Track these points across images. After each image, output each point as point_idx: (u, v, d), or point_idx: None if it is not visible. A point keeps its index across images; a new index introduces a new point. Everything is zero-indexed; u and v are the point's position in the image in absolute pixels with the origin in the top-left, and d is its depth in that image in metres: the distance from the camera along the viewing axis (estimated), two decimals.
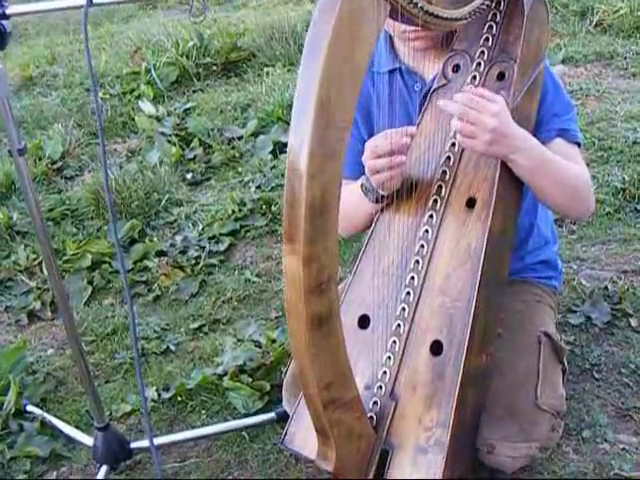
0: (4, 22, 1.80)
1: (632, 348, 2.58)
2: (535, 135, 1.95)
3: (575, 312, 2.75)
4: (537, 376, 2.01)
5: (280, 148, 4.18)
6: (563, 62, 4.85)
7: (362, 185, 2.01)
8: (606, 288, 2.83)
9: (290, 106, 4.36)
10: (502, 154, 1.87)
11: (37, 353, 3.01)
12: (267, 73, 5.19)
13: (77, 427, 2.58)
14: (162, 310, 3.18)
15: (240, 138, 4.44)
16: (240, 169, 4.16)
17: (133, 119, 4.84)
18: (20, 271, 3.50)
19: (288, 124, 4.32)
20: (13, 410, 2.66)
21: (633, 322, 2.68)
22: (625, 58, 4.87)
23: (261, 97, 4.82)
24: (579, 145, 2.11)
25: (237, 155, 4.29)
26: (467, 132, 1.83)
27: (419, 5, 1.61)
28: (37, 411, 2.65)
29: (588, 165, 3.52)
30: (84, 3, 1.73)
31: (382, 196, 1.99)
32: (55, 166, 4.45)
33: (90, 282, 3.37)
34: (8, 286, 3.47)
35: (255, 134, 4.45)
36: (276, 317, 2.99)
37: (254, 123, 4.50)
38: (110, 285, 3.37)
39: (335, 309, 1.60)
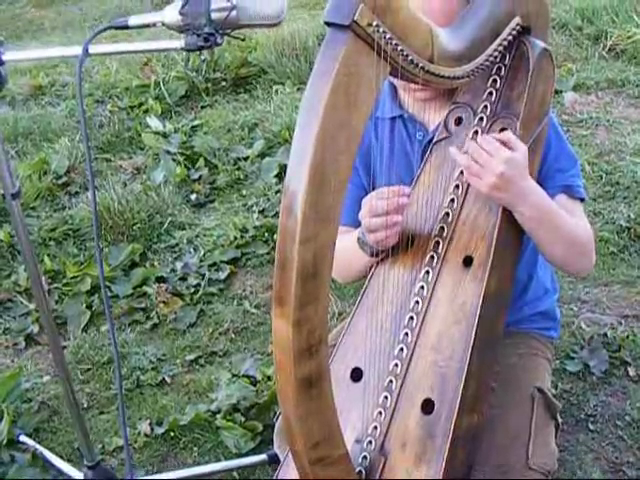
0: (0, 68, 1.79)
1: (629, 399, 2.57)
2: None
3: (573, 359, 2.73)
4: (529, 435, 1.98)
5: (286, 172, 4.14)
6: (574, 89, 4.82)
7: (358, 239, 1.99)
8: (605, 335, 2.81)
9: None
10: (506, 202, 1.84)
11: (33, 380, 3.00)
12: (276, 91, 5.17)
13: (69, 460, 2.58)
14: (159, 339, 3.17)
15: (246, 159, 4.43)
16: (244, 192, 4.15)
17: (140, 135, 4.82)
18: (19, 292, 3.49)
19: None
20: (5, 440, 2.65)
21: (631, 371, 2.66)
22: (637, 86, 4.83)
23: (269, 117, 4.80)
24: (582, 200, 2.09)
25: (242, 177, 4.28)
26: (474, 171, 1.80)
27: (420, 65, 1.59)
28: (30, 442, 2.64)
29: (594, 200, 3.53)
30: (79, 53, 1.72)
31: (379, 250, 1.97)
32: (60, 181, 4.44)
33: (89, 307, 3.36)
34: (7, 307, 3.46)
35: (261, 155, 4.43)
36: (272, 352, 2.96)
37: (261, 143, 4.49)
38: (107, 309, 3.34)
39: (325, 370, 1.58)
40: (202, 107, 5.26)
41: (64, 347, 3.06)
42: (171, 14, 1.70)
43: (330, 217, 1.47)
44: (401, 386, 1.87)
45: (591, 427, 2.49)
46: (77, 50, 1.72)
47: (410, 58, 1.55)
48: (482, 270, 1.87)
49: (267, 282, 3.42)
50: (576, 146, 4.01)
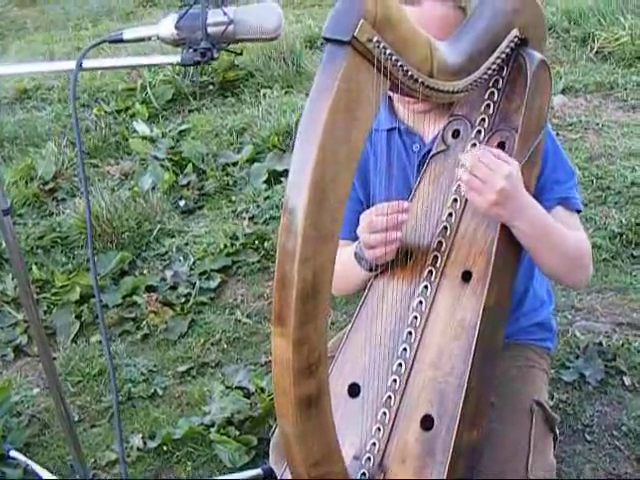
0: None
1: (625, 409, 2.55)
2: None
3: (569, 368, 2.71)
4: (528, 448, 1.96)
5: (275, 177, 4.15)
6: (563, 92, 4.82)
7: (356, 254, 1.97)
8: (600, 343, 2.79)
9: (286, 133, 4.35)
10: (504, 218, 1.82)
11: (22, 392, 2.96)
12: (264, 95, 5.14)
13: (61, 475, 2.55)
14: (150, 350, 3.13)
15: (235, 164, 4.41)
16: (234, 197, 4.12)
17: (127, 139, 4.79)
18: (7, 302, 3.45)
19: (283, 151, 4.31)
20: None
21: (627, 380, 2.65)
22: (625, 89, 4.84)
23: (257, 121, 4.77)
24: (579, 212, 2.07)
25: (231, 182, 4.25)
26: (474, 186, 1.77)
27: (419, 80, 1.56)
28: (21, 457, 2.60)
29: (586, 205, 3.52)
30: (73, 67, 1.69)
31: (376, 264, 1.95)
32: (47, 187, 4.40)
33: (78, 317, 3.32)
34: None
35: (250, 160, 4.40)
36: (266, 362, 2.95)
37: (249, 149, 4.46)
38: (99, 320, 3.29)
39: (324, 389, 1.55)
40: (189, 111, 5.23)
41: (54, 359, 3.02)
42: (166, 28, 1.66)
43: (330, 235, 1.45)
44: (400, 402, 1.85)
45: (588, 438, 2.47)
46: (71, 65, 1.69)
47: (410, 73, 1.53)
48: (481, 285, 1.84)
49: (258, 291, 3.40)
50: (566, 150, 3.96)
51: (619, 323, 2.93)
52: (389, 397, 1.86)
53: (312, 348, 1.48)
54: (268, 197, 4.01)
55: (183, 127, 4.93)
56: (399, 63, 1.49)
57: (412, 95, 1.61)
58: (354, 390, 1.91)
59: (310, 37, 6.13)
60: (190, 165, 4.38)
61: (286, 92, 5.16)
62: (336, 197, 1.44)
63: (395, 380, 1.87)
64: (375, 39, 1.42)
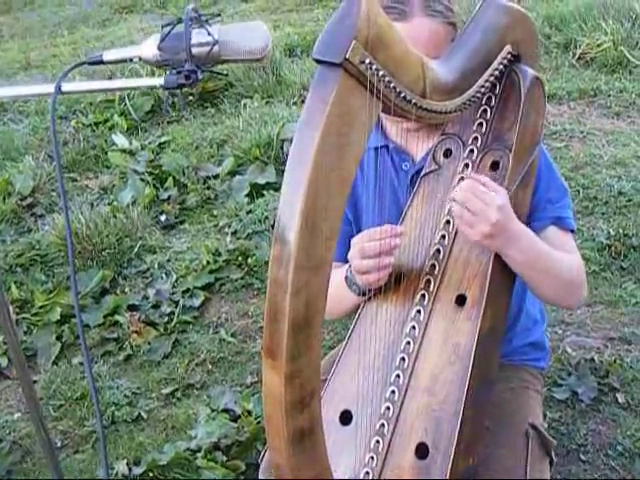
0: None
1: (619, 427, 2.51)
2: (528, 223, 1.86)
3: (561, 386, 2.67)
4: (524, 473, 1.93)
5: (257, 191, 4.09)
6: (547, 99, 4.77)
7: (346, 277, 1.92)
8: (592, 360, 2.76)
9: (267, 145, 4.27)
10: (497, 248, 1.78)
11: (3, 417, 2.90)
12: (244, 105, 5.07)
13: None
14: (133, 372, 3.07)
15: (216, 177, 4.34)
16: (215, 212, 4.06)
17: (106, 152, 4.71)
18: None
19: (265, 164, 4.24)
20: None
21: (620, 398, 2.62)
22: (609, 96, 4.81)
23: (238, 133, 4.70)
24: (573, 231, 2.03)
25: (212, 196, 4.19)
26: (467, 220, 1.73)
27: (413, 102, 1.52)
28: None
29: None
30: (52, 91, 1.62)
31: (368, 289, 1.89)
32: (25, 202, 4.33)
33: (59, 337, 3.25)
34: None
35: (231, 173, 4.34)
36: (252, 383, 2.89)
37: (230, 161, 4.39)
38: (80, 341, 3.23)
39: (317, 421, 1.51)
40: (169, 122, 5.16)
41: (34, 382, 2.96)
42: (149, 49, 1.60)
43: (322, 264, 1.41)
44: (393, 430, 1.81)
45: (582, 457, 2.43)
46: (49, 89, 1.62)
47: (403, 95, 1.48)
48: (476, 309, 1.80)
49: (243, 308, 3.34)
50: (552, 159, 3.96)
51: (610, 338, 2.90)
52: (382, 425, 1.82)
53: (305, 381, 1.44)
54: (250, 211, 3.95)
55: (163, 139, 4.86)
56: (392, 84, 1.44)
57: (405, 117, 1.56)
58: (346, 417, 1.87)
59: (289, 45, 6.07)
60: (170, 179, 4.31)
61: (267, 102, 5.10)
62: (329, 225, 1.40)
63: (388, 407, 1.83)
64: (367, 61, 1.37)
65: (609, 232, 3.43)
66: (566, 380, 2.69)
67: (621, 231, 3.41)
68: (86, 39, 6.81)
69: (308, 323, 1.40)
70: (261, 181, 4.13)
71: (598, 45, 5.31)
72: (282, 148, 4.31)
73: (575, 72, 5.18)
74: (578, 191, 3.76)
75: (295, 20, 7.07)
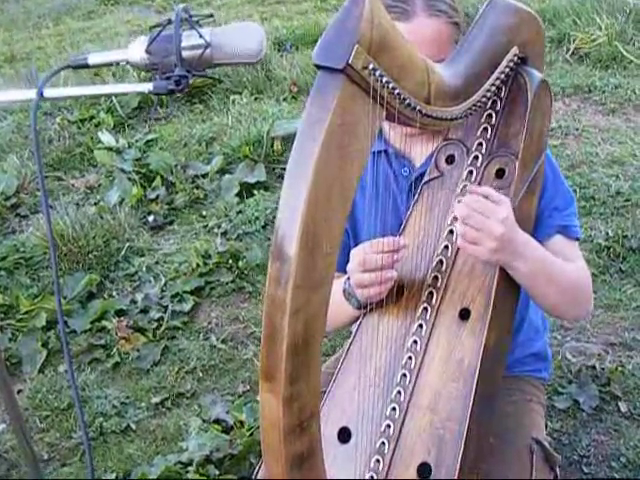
0: None
1: (622, 437, 2.45)
2: (534, 232, 1.80)
3: (562, 394, 2.61)
4: None
5: (247, 190, 4.01)
6: None
7: (344, 290, 1.84)
8: (593, 367, 2.69)
9: (257, 142, 4.18)
10: (504, 262, 1.70)
11: None
12: (233, 101, 4.99)
13: None
14: (121, 380, 2.99)
15: (205, 176, 4.26)
16: (205, 212, 3.98)
17: (92, 151, 4.62)
18: None
19: (254, 162, 4.16)
20: None
21: (622, 407, 2.56)
22: (604, 92, 4.75)
23: (227, 130, 4.62)
24: (578, 239, 1.96)
25: (202, 196, 4.11)
26: (470, 238, 1.65)
27: (417, 109, 1.44)
28: None
29: None
30: (34, 97, 1.53)
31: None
32: (9, 203, 4.26)
33: (45, 344, 3.17)
34: None
35: (220, 171, 4.26)
36: (244, 392, 2.81)
37: (219, 159, 4.31)
38: (64, 351, 3.15)
39: (317, 444, 1.44)
40: (156, 119, 5.06)
41: (19, 391, 2.87)
42: (137, 52, 1.52)
43: (322, 283, 1.33)
44: (394, 449, 1.74)
45: (585, 469, 2.37)
46: (31, 94, 1.53)
47: (407, 102, 1.40)
48: (481, 323, 1.73)
49: (233, 313, 3.27)
50: None
51: (611, 343, 2.83)
52: (383, 443, 1.75)
53: (303, 405, 1.36)
54: (240, 211, 3.87)
55: (150, 137, 4.76)
56: (396, 91, 1.36)
57: (409, 124, 1.48)
58: (344, 435, 1.80)
59: (278, 39, 6.00)
60: (158, 178, 4.22)
61: (256, 98, 5.01)
62: (329, 241, 1.31)
63: (389, 425, 1.76)
64: (371, 66, 1.29)
65: (607, 233, 3.36)
66: (567, 388, 2.63)
67: (619, 232, 3.34)
68: (71, 31, 6.70)
69: (307, 344, 1.32)
70: (251, 180, 4.05)
71: (592, 40, 5.26)
72: (272, 146, 4.22)
73: (569, 67, 5.12)
74: (575, 191, 3.68)
75: (283, 13, 6.98)
